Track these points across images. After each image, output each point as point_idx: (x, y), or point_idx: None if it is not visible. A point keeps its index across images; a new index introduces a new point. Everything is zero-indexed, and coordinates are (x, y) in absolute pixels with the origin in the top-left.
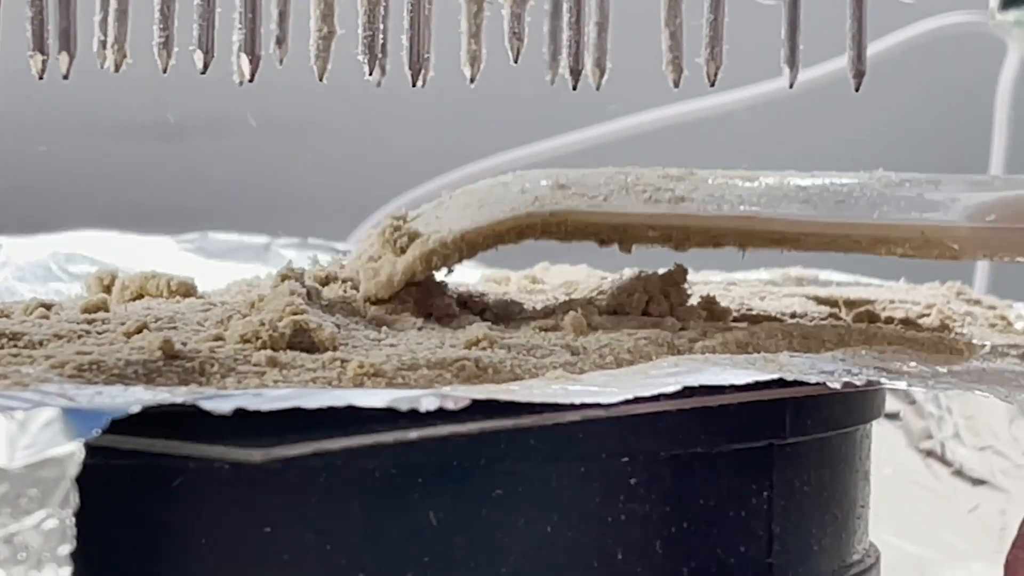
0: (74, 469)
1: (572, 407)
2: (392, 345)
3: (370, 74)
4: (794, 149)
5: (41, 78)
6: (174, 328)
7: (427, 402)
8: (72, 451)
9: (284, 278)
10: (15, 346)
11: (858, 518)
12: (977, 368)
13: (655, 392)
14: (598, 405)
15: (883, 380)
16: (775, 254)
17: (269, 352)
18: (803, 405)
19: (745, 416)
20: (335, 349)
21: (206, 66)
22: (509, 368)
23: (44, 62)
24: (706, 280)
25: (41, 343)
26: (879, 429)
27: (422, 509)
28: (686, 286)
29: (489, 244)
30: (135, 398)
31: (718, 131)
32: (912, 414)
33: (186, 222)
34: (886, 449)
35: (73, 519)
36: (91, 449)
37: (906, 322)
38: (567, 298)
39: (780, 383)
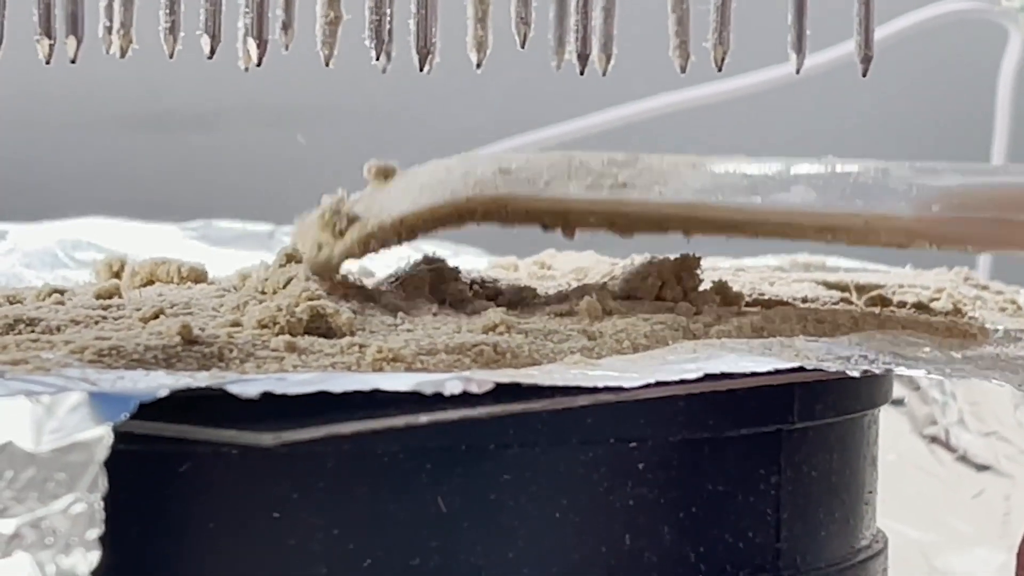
0: (103, 453)
1: (595, 391)
2: (409, 330)
3: (377, 60)
4: (793, 135)
5: (48, 63)
6: (190, 314)
7: (451, 386)
8: (101, 435)
9: (289, 258)
10: (33, 331)
11: (866, 503)
12: (991, 354)
13: (677, 378)
14: (620, 389)
15: (900, 367)
16: (783, 242)
17: (287, 337)
18: (812, 390)
19: (754, 401)
20: (353, 334)
21: (213, 51)
22: (527, 353)
23: (51, 47)
24: (714, 266)
25: (59, 328)
26: (883, 415)
27: (430, 494)
28: (698, 271)
29: (429, 228)
30: (158, 383)
31: (723, 117)
32: (916, 400)
33: (188, 211)
34: (890, 435)
35: (102, 503)
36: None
37: (918, 306)
38: (579, 284)
39: (795, 369)
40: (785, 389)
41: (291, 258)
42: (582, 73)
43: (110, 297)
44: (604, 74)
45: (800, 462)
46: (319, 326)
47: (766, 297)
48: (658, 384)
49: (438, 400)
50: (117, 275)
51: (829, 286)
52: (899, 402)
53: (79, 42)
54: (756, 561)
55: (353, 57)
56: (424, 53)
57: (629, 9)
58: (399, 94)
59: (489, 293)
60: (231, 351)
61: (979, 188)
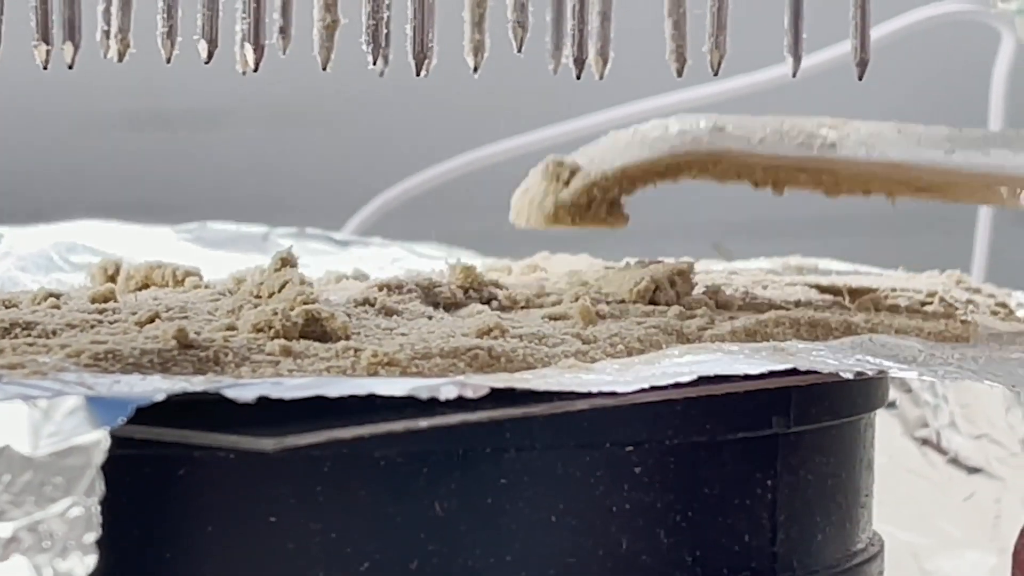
0: (100, 457)
1: (588, 395)
2: (404, 334)
3: (374, 63)
4: None
5: (45, 68)
6: (185, 318)
7: (446, 390)
8: (98, 439)
9: (283, 262)
10: (29, 335)
11: (862, 507)
12: (984, 356)
13: (671, 381)
14: (614, 394)
15: (894, 370)
16: (776, 245)
17: (282, 341)
18: (808, 394)
19: (750, 405)
20: (347, 338)
21: (210, 55)
22: (521, 357)
23: (48, 52)
24: (707, 269)
25: (55, 332)
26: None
27: (427, 498)
28: (692, 275)
29: (648, 180)
30: (155, 387)
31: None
32: (908, 402)
33: (183, 213)
34: (882, 437)
35: (99, 507)
36: None
37: (910, 310)
38: (573, 287)
39: (790, 372)
40: (781, 393)
41: (286, 262)
42: (578, 77)
43: (106, 301)
44: (601, 78)
45: (796, 466)
46: (314, 330)
47: (759, 301)
48: (653, 389)
49: (438, 404)
50: (112, 279)
51: (822, 289)
52: (891, 404)
53: (76, 48)
54: (752, 564)
55: (353, 58)
56: (421, 57)
57: (625, 13)
58: (392, 98)
59: (482, 296)
60: (227, 355)
61: None
